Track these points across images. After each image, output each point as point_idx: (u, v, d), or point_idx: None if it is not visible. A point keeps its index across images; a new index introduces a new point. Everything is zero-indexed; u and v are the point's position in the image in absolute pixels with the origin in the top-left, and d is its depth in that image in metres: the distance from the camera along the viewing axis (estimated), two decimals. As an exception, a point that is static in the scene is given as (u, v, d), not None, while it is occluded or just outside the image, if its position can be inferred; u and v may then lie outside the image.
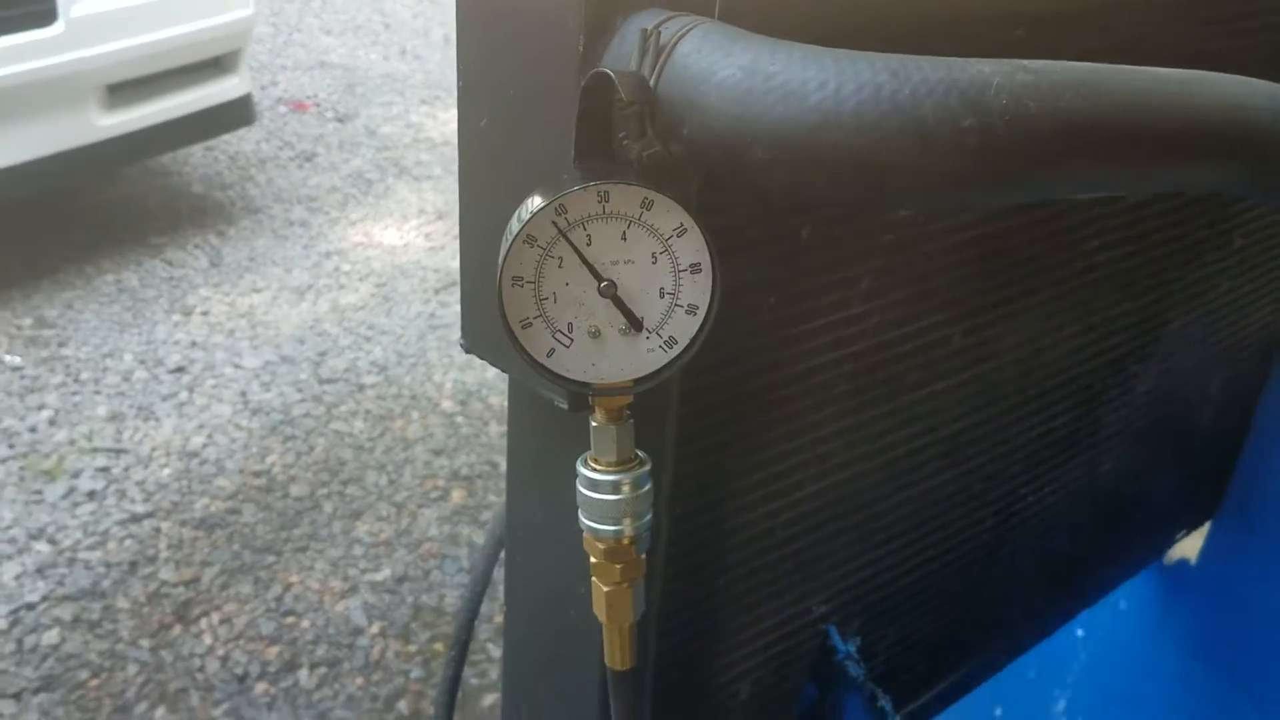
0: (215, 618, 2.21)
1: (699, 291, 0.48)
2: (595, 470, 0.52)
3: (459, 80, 0.57)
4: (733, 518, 0.70)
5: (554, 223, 0.46)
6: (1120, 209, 0.86)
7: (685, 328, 0.49)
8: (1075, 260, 0.85)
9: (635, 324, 0.48)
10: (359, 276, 3.35)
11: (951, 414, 0.82)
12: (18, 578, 2.27)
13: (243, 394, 2.87)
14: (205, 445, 2.67)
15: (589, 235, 0.47)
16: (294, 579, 2.31)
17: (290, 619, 2.22)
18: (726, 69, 0.45)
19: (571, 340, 0.48)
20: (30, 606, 2.20)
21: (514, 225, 0.46)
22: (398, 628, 2.21)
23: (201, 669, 2.10)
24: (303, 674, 2.09)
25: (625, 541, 0.52)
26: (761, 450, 0.69)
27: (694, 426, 0.64)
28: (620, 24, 0.50)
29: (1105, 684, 1.30)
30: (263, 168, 4.18)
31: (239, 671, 2.09)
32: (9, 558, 2.32)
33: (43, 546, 2.36)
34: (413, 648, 2.17)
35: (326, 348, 3.04)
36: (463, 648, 0.93)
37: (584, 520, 0.53)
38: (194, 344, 3.06)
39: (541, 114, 0.53)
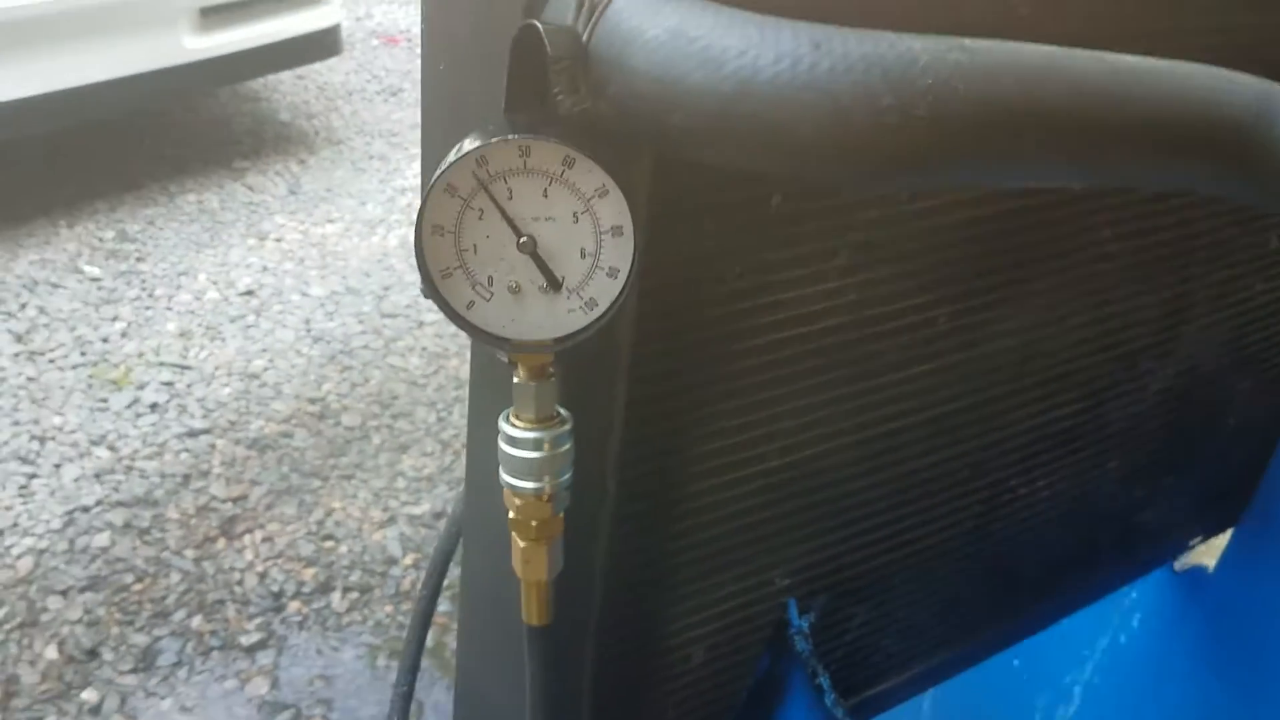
0: (258, 535, 2.28)
1: (620, 255, 0.48)
2: (516, 427, 0.52)
3: (422, 22, 0.57)
4: (687, 485, 0.70)
5: (474, 174, 0.46)
6: (1136, 199, 0.82)
7: (606, 290, 0.49)
8: (1085, 248, 0.82)
9: (553, 283, 0.48)
10: (431, 214, 3.38)
11: (936, 397, 0.80)
12: (76, 480, 2.36)
13: (306, 321, 2.93)
14: (266, 369, 2.74)
15: (510, 189, 0.47)
16: (336, 505, 2.37)
17: (329, 543, 2.27)
18: (653, 30, 0.45)
19: (492, 294, 0.48)
20: (85, 509, 2.29)
21: (436, 173, 0.47)
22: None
23: (240, 583, 2.17)
24: (335, 597, 2.15)
25: (544, 498, 0.53)
26: (717, 420, 0.68)
27: (646, 390, 0.63)
28: (565, -25, 0.50)
29: (1109, 690, 1.28)
30: (349, 99, 4.24)
31: (275, 589, 2.15)
32: (70, 460, 2.41)
33: (103, 452, 2.45)
34: (444, 582, 2.22)
35: (391, 282, 3.09)
36: (436, 588, 0.95)
37: (503, 476, 0.53)
38: (265, 269, 3.13)
39: (490, 61, 0.52)
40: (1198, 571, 1.21)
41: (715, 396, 0.68)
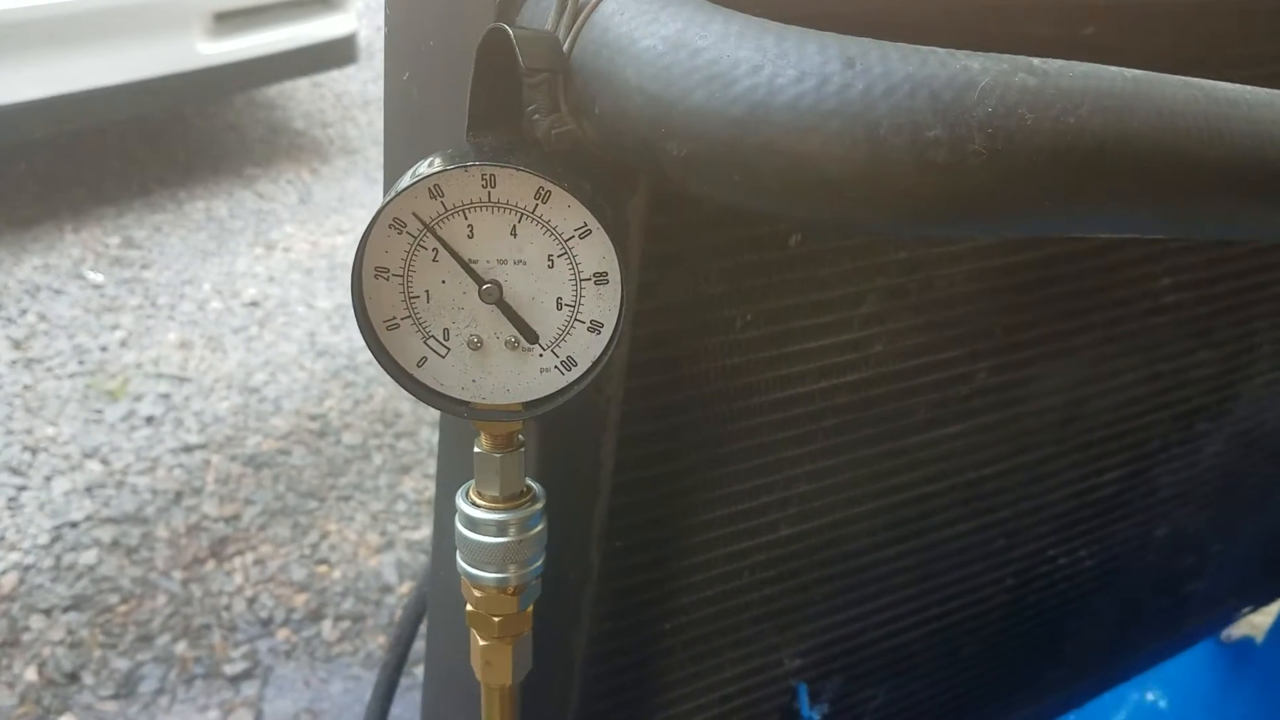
0: (249, 557, 2.19)
1: (604, 307, 0.39)
2: (477, 506, 0.43)
3: (385, 25, 0.49)
4: (686, 556, 0.61)
5: (427, 206, 0.38)
6: (1201, 243, 0.74)
7: (587, 348, 0.40)
8: (1139, 299, 0.74)
9: (529, 335, 0.40)
10: (443, 228, 3.31)
11: (969, 460, 0.71)
12: (66, 494, 2.29)
13: (311, 334, 2.85)
14: (267, 383, 2.67)
15: (471, 226, 0.38)
16: (332, 528, 2.29)
17: (322, 568, 2.19)
18: (648, 38, 0.36)
19: (448, 350, 0.40)
20: (74, 524, 2.22)
21: (380, 204, 0.38)
22: (427, 590, 2.17)
23: (228, 608, 2.09)
24: (326, 625, 2.07)
25: (509, 591, 0.44)
26: (721, 485, 0.60)
27: (638, 452, 0.55)
28: (547, -28, 0.41)
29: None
30: (365, 109, 4.17)
31: (264, 615, 2.07)
32: (61, 473, 2.34)
33: (95, 466, 2.37)
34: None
35: (400, 297, 3.02)
36: (400, 660, 0.86)
37: (461, 563, 0.44)
38: (271, 279, 3.06)
39: (458, 71, 0.44)
40: (1246, 643, 1.12)
41: (719, 459, 0.59)
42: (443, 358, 0.40)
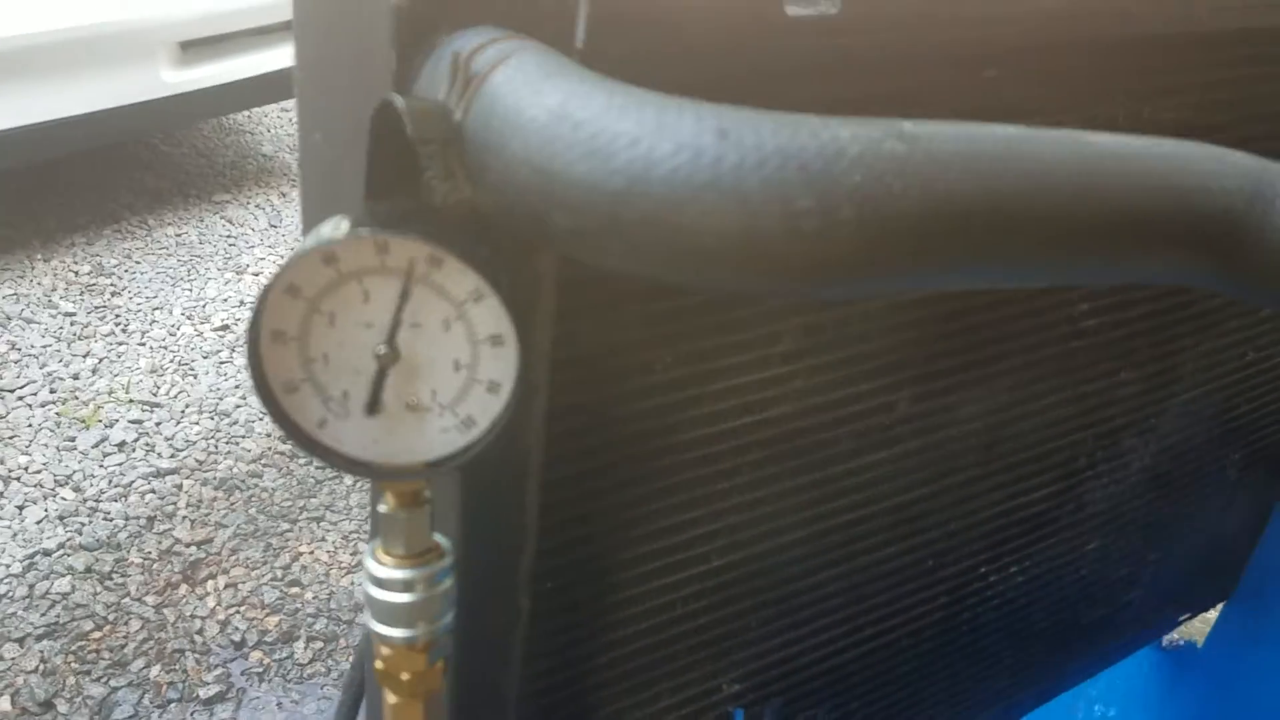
0: (222, 581, 2.20)
1: (501, 367, 0.41)
2: (383, 565, 0.45)
3: (295, 87, 0.51)
4: (618, 591, 0.63)
5: (321, 273, 0.39)
6: (1114, 272, 0.76)
7: (485, 407, 0.42)
8: (1057, 325, 0.76)
9: (372, 405, 0.41)
10: (414, 247, 3.33)
11: (895, 485, 0.74)
12: (39, 522, 2.29)
13: (282, 357, 2.86)
14: (238, 406, 2.67)
15: (366, 291, 0.40)
16: (304, 549, 2.30)
17: (295, 589, 2.20)
18: (534, 109, 0.38)
19: (348, 412, 0.42)
20: (47, 553, 2.22)
21: (276, 271, 0.40)
22: (400, 611, 2.19)
23: (201, 631, 2.10)
24: (298, 646, 2.08)
25: (418, 648, 0.46)
26: (649, 521, 0.62)
27: (564, 494, 0.57)
28: (442, 41, 0.43)
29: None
30: (336, 130, 4.19)
31: (236, 638, 2.08)
32: (34, 502, 2.34)
33: (68, 494, 2.38)
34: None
35: (371, 317, 3.03)
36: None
37: (368, 621, 0.46)
38: (242, 303, 3.07)
39: (365, 136, 0.46)
40: (1187, 649, 1.14)
41: (646, 496, 0.61)
42: (343, 420, 0.42)
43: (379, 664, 0.45)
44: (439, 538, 0.46)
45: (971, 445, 0.76)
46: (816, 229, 0.36)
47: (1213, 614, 1.13)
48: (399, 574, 0.44)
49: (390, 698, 0.46)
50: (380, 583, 0.44)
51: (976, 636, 0.88)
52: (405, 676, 0.45)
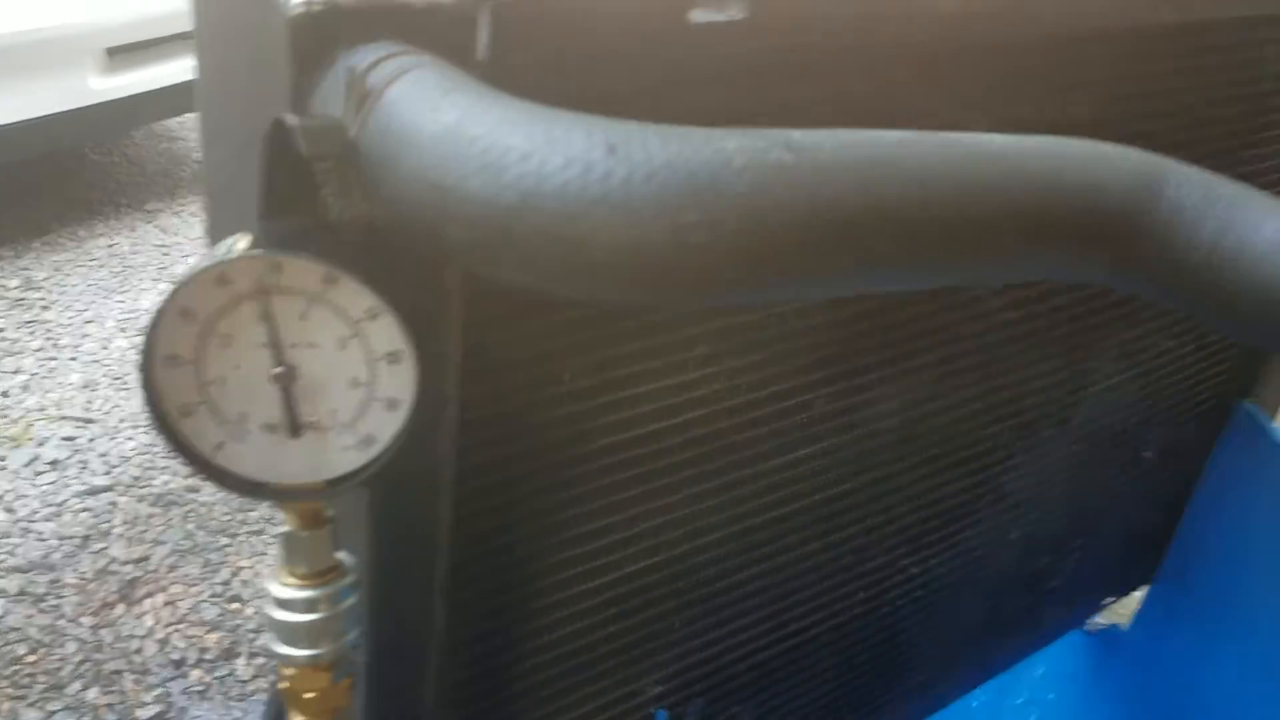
0: (160, 599, 2.17)
1: (399, 384, 0.42)
2: (286, 586, 0.45)
3: (196, 105, 0.50)
4: (536, 598, 0.64)
5: (214, 295, 0.39)
6: (1023, 267, 0.78)
7: (384, 425, 0.42)
8: (971, 321, 0.78)
9: (293, 428, 0.41)
10: (352, 254, 3.30)
11: (814, 483, 0.75)
12: (-31, 545, 2.24)
13: (219, 369, 2.82)
14: (174, 420, 2.63)
15: (261, 312, 0.40)
16: (244, 564, 2.27)
17: (234, 605, 2.17)
18: (429, 125, 0.38)
19: (246, 433, 0.42)
20: (-22, 576, 2.17)
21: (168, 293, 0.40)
22: (344, 621, 2.17)
23: (139, 651, 2.06)
24: (239, 663, 2.05)
25: (322, 667, 0.46)
26: (565, 529, 0.62)
27: (477, 506, 0.57)
28: (339, 57, 0.43)
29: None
30: (269, 137, 4.14)
31: (176, 657, 2.05)
32: (-36, 524, 2.29)
33: (-1, 515, 2.33)
34: None
35: (309, 326, 3.00)
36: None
37: (272, 643, 0.46)
38: (176, 314, 3.02)
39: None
40: (1112, 632, 1.17)
41: (561, 504, 0.62)
42: (241, 442, 0.42)
43: (283, 684, 0.45)
44: (343, 555, 0.46)
45: (889, 441, 0.77)
46: (704, 241, 0.37)
47: (1137, 595, 1.16)
48: (302, 594, 0.44)
49: (295, 717, 0.46)
50: (282, 604, 0.44)
51: (900, 630, 0.89)
52: (309, 696, 0.45)
